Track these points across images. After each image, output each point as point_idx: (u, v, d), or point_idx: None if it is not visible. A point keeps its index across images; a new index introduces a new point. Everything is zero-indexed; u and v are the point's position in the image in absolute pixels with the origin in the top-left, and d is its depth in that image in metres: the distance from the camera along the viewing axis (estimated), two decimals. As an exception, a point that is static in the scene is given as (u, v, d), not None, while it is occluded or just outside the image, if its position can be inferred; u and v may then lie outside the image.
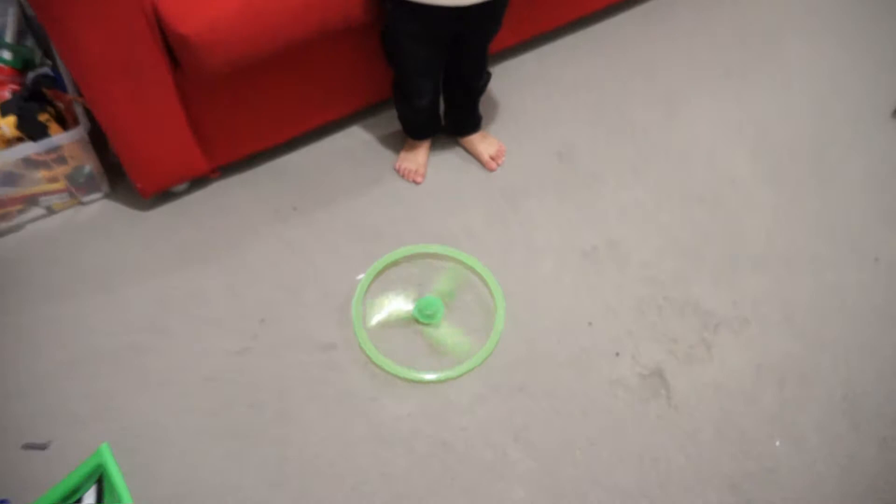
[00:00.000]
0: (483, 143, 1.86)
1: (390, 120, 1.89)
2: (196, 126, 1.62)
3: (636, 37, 2.14)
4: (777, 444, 1.49)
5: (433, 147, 1.89)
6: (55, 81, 1.67)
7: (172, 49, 1.45)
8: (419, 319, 1.60)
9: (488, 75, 1.76)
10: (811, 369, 1.59)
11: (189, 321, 1.60)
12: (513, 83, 2.01)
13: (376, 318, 1.61)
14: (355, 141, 1.90)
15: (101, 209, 1.75)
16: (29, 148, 1.57)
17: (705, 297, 1.68)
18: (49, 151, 1.59)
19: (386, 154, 1.88)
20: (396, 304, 1.63)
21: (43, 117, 1.60)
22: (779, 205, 1.84)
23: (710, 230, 1.79)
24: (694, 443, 1.49)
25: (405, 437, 1.48)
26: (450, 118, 1.87)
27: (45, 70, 1.72)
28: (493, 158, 1.85)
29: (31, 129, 1.58)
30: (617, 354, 1.59)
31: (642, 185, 1.86)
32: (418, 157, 1.84)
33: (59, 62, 1.65)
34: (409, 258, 1.70)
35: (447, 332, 1.60)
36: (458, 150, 1.90)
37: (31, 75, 1.70)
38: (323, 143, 1.89)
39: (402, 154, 1.85)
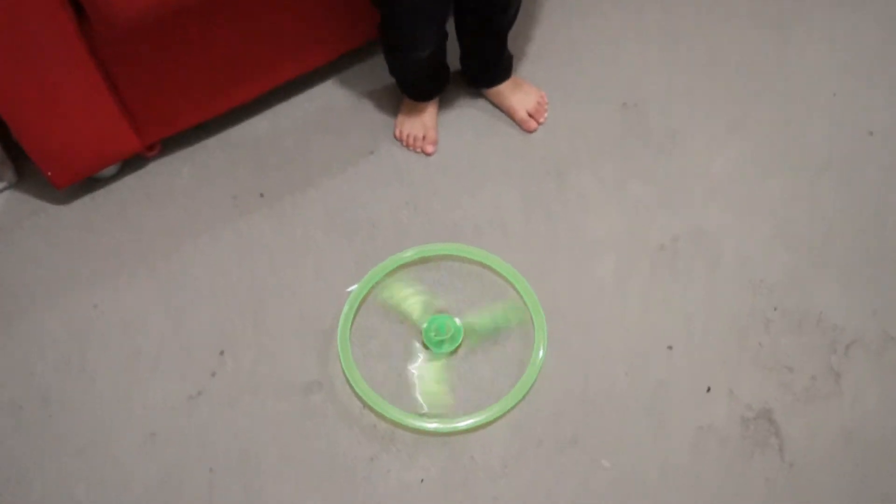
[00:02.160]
0: (517, 93, 1.45)
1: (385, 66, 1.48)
2: (120, 94, 1.29)
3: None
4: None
5: (447, 101, 1.48)
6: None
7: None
8: (425, 342, 1.22)
9: (518, 1, 1.33)
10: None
11: (120, 355, 1.23)
12: (555, 4, 1.59)
13: (384, 288, 1.26)
14: (339, 98, 1.52)
15: (3, 204, 1.39)
16: None
17: (832, 305, 1.27)
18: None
19: (381, 113, 1.48)
20: (414, 300, 1.26)
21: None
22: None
23: (839, 208, 1.37)
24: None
25: (416, 510, 1.12)
26: (469, 64, 1.45)
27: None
28: (531, 115, 1.44)
29: None
30: (708, 390, 1.19)
31: (742, 147, 1.45)
32: (424, 118, 1.42)
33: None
34: (421, 261, 1.30)
35: (433, 375, 1.22)
36: (483, 103, 1.49)
37: None
38: (295, 104, 1.51)
39: (401, 116, 1.44)
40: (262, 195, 1.37)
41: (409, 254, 1.28)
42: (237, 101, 1.44)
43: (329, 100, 1.51)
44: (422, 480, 1.14)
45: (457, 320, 1.22)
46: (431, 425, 1.16)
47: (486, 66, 1.44)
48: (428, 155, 1.41)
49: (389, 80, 1.45)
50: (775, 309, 1.24)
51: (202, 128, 1.44)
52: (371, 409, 1.18)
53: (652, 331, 1.24)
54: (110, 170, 1.38)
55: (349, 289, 1.26)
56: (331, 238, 1.33)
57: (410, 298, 1.25)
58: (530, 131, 1.44)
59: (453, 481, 1.14)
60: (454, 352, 1.21)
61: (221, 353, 1.22)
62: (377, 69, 1.51)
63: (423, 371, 1.21)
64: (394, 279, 1.27)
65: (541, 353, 1.20)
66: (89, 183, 1.40)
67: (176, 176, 1.42)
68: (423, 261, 1.29)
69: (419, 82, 1.40)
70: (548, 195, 1.38)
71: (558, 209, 1.37)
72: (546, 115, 1.46)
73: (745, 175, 1.41)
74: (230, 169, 1.42)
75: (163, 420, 1.18)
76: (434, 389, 1.21)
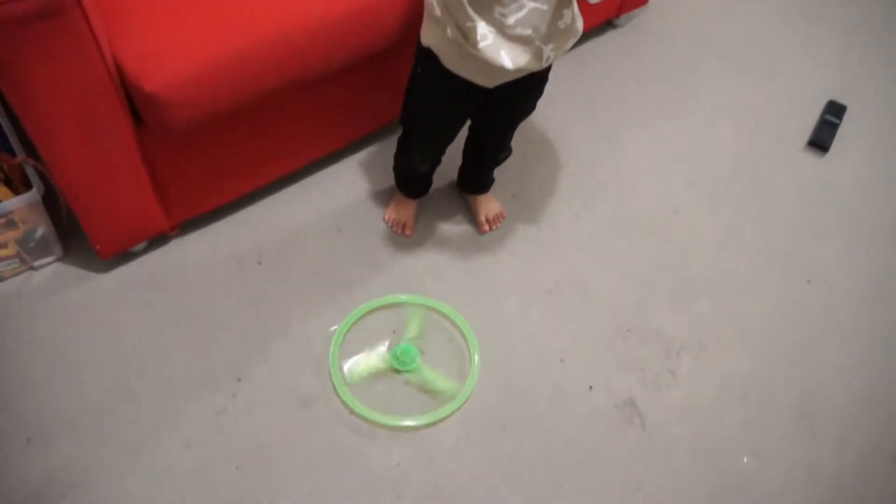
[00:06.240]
0: (486, 203, 1.84)
1: (379, 157, 1.88)
2: (157, 183, 1.55)
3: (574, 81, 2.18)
4: (745, 460, 1.55)
5: (439, 194, 1.90)
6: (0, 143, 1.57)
7: (136, 106, 1.36)
8: (397, 367, 1.60)
9: (509, 151, 1.76)
10: (767, 383, 1.66)
11: (157, 383, 1.54)
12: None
13: (354, 368, 1.60)
14: (336, 183, 1.90)
15: (54, 273, 1.66)
16: (-25, 216, 1.46)
17: (665, 324, 1.73)
18: (-2, 217, 1.50)
19: (372, 201, 1.87)
20: (375, 353, 1.63)
21: (-12, 181, 1.50)
22: (718, 229, 1.92)
23: (662, 258, 1.86)
24: (670, 466, 1.53)
25: (395, 485, 1.47)
26: (463, 175, 1.85)
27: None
28: (488, 221, 1.83)
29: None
30: (591, 388, 1.62)
31: (595, 220, 1.91)
32: (408, 209, 1.80)
33: (1, 122, 1.56)
34: (384, 307, 1.70)
35: (430, 375, 1.60)
36: (458, 201, 1.91)
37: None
38: (303, 185, 1.87)
39: (393, 204, 1.82)
40: (259, 262, 1.72)
41: (374, 303, 1.67)
42: (251, 188, 1.72)
43: (329, 184, 1.87)
44: (398, 464, 1.48)
45: (405, 343, 1.59)
46: (404, 423, 1.52)
47: (475, 181, 1.81)
48: (407, 237, 1.78)
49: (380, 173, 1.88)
50: (628, 330, 1.70)
51: (215, 211, 1.74)
52: (356, 415, 1.51)
53: (549, 348, 1.65)
54: (141, 246, 1.66)
55: (332, 328, 1.63)
56: (317, 291, 1.69)
57: (372, 351, 1.61)
58: (482, 233, 1.82)
59: (420, 461, 1.49)
60: (413, 370, 1.59)
61: (238, 379, 1.55)
62: (375, 156, 1.92)
63: (422, 380, 1.57)
64: (351, 349, 1.61)
65: (476, 359, 1.60)
66: (123, 257, 1.66)
67: (193, 250, 1.71)
68: (389, 306, 1.68)
69: (411, 184, 1.76)
70: (476, 262, 1.78)
71: (481, 269, 1.77)
72: (499, 225, 1.84)
73: (598, 237, 1.84)
74: (236, 243, 1.73)
75: (197, 431, 1.48)
76: (441, 384, 1.56)
